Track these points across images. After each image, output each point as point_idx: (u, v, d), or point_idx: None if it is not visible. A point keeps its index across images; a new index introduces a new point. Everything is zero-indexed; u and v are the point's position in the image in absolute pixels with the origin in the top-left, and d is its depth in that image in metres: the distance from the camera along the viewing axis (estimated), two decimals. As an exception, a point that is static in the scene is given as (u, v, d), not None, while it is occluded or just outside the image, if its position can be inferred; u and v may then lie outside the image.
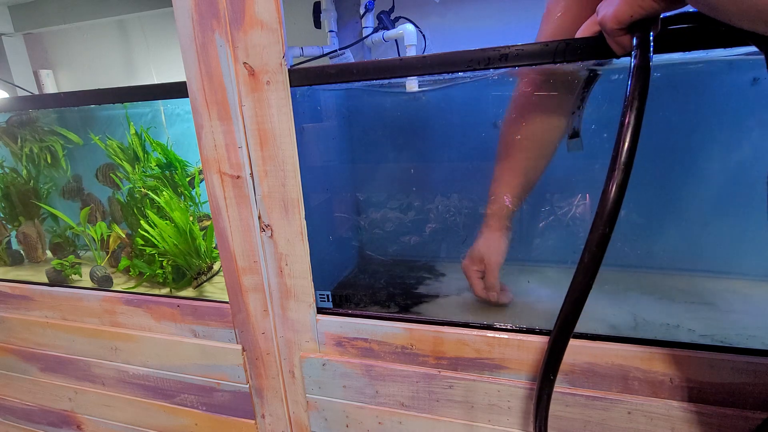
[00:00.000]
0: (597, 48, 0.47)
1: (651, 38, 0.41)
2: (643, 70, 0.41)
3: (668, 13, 0.42)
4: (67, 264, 1.02)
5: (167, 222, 0.93)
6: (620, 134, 0.41)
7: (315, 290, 0.68)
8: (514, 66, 0.52)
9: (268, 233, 0.67)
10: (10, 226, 1.22)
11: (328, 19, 1.21)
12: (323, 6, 1.19)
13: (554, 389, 0.58)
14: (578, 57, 0.49)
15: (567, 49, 0.49)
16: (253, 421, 0.79)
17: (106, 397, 0.90)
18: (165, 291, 0.93)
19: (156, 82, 0.93)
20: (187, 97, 0.64)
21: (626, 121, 0.40)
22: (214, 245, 0.99)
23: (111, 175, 1.09)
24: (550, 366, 0.50)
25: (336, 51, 1.18)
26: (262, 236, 0.67)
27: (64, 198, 1.19)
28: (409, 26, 1.09)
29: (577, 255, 0.44)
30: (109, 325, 0.85)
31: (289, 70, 0.58)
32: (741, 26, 0.33)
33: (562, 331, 0.47)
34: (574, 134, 0.58)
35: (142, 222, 0.94)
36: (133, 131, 1.06)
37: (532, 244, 0.87)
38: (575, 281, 0.45)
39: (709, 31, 0.44)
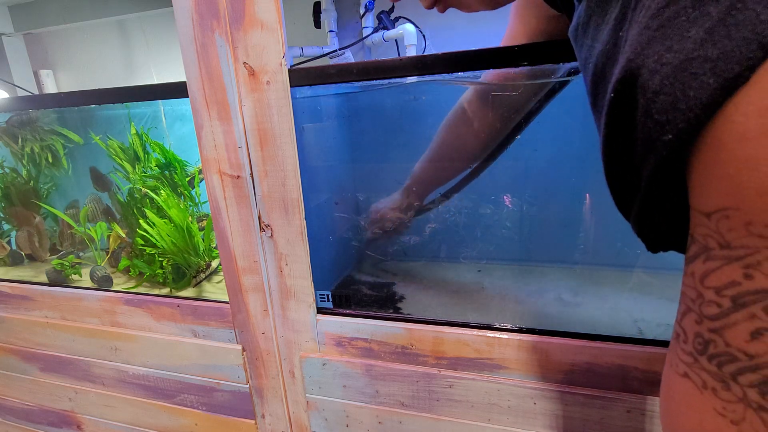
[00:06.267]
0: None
1: None
2: None
3: None
4: (67, 264, 1.02)
5: (165, 221, 0.93)
6: None
7: (315, 290, 0.68)
8: (515, 66, 0.52)
9: (268, 233, 0.67)
10: (8, 227, 1.22)
11: (328, 19, 1.21)
12: (323, 6, 1.19)
13: (554, 388, 0.58)
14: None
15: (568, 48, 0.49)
16: (253, 421, 0.80)
17: (106, 397, 0.90)
18: (165, 291, 0.93)
19: (156, 82, 0.93)
20: (187, 97, 0.64)
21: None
22: (213, 245, 0.99)
23: (111, 176, 1.09)
24: None
25: (336, 51, 1.18)
26: (262, 236, 0.67)
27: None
28: (409, 26, 1.09)
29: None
30: (109, 325, 0.85)
31: (289, 70, 0.58)
32: None
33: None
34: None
35: (141, 222, 0.94)
36: (133, 131, 1.06)
37: (533, 244, 0.87)
38: None
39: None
